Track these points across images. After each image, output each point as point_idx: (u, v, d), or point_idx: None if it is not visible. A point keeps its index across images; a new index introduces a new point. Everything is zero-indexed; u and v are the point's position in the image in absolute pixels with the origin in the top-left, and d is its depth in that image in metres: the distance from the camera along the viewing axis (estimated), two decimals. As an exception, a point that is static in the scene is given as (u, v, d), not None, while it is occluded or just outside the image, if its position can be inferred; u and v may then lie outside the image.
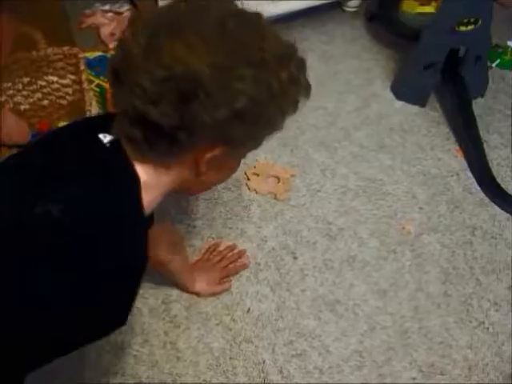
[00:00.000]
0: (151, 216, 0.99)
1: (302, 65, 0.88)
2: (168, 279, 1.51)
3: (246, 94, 0.81)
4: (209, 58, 0.78)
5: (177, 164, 0.90)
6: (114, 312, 0.93)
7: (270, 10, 2.17)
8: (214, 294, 1.54)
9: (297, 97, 0.89)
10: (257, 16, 0.89)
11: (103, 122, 0.91)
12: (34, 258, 0.82)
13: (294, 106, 0.90)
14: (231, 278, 1.57)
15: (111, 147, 0.88)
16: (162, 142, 0.84)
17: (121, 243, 0.87)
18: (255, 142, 0.93)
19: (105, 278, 0.86)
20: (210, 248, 1.63)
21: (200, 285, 1.53)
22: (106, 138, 0.88)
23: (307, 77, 0.89)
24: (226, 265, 1.59)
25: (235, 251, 1.63)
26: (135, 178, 0.87)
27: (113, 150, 0.88)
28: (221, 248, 1.63)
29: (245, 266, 1.60)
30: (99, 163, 0.88)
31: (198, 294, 1.54)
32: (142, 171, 0.88)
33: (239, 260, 1.61)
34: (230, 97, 0.80)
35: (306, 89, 0.89)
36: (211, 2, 0.86)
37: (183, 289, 1.54)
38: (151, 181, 0.89)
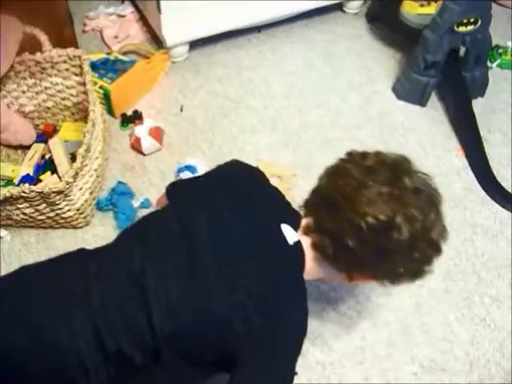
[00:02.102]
0: None
1: (446, 239, 1.10)
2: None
3: (418, 262, 1.09)
4: (411, 230, 1.02)
5: (337, 273, 1.17)
6: None
7: (273, 11, 2.20)
8: None
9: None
10: (440, 198, 1.10)
11: (284, 213, 1.20)
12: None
13: (432, 265, 1.12)
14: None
15: (295, 247, 1.12)
16: (345, 264, 1.12)
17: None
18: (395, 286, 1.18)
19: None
20: None
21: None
22: (289, 234, 1.12)
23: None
24: None
25: None
26: (302, 272, 1.13)
27: (296, 250, 1.12)
28: None
29: None
30: (284, 261, 1.10)
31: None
32: (311, 266, 1.14)
33: None
34: (410, 261, 1.07)
35: (441, 252, 1.11)
36: (423, 186, 1.08)
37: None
38: (312, 273, 1.16)
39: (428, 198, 1.07)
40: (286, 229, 1.13)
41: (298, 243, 1.13)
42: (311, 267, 1.14)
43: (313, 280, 1.23)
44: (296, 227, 1.16)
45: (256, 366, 1.03)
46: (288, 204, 1.28)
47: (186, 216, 1.13)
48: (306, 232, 1.14)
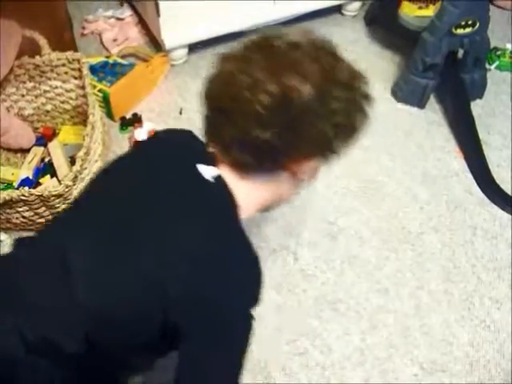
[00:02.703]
0: None
1: (366, 80, 0.99)
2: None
3: (341, 111, 0.94)
4: (311, 84, 0.89)
5: (275, 179, 1.03)
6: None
7: (272, 13, 2.20)
8: None
9: (368, 108, 0.99)
10: (329, 41, 0.98)
11: (196, 150, 1.03)
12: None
13: (367, 115, 0.99)
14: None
15: (216, 183, 0.98)
16: (270, 160, 0.97)
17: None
18: (344, 150, 1.02)
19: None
20: None
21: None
22: (207, 172, 0.98)
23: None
24: None
25: None
26: (235, 211, 0.98)
27: (218, 186, 0.98)
28: None
29: None
30: (207, 205, 0.97)
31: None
32: (243, 194, 0.99)
33: None
34: (330, 113, 0.93)
35: (371, 100, 1.00)
36: (299, 39, 0.95)
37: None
38: (250, 201, 1.02)
39: (311, 47, 0.94)
40: (202, 168, 0.99)
41: (219, 178, 0.99)
42: (245, 194, 1.00)
43: (261, 211, 1.10)
44: (213, 163, 1.01)
45: (201, 337, 0.90)
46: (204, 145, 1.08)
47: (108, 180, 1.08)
48: (220, 160, 1.00)
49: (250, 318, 0.94)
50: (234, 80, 0.93)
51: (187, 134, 1.11)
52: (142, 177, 1.01)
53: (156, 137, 1.17)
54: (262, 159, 0.96)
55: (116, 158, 1.10)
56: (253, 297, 0.96)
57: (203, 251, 0.91)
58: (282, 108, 0.90)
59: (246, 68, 0.92)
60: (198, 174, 0.98)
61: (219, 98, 0.96)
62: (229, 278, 0.91)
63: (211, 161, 1.00)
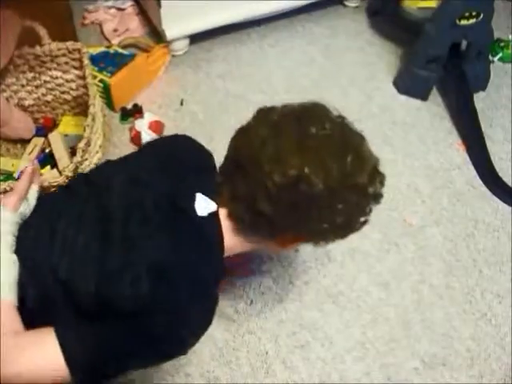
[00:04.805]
0: None
1: (383, 180, 1.03)
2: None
3: (345, 214, 0.98)
4: (326, 180, 0.93)
5: (263, 243, 1.10)
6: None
7: (274, 4, 2.18)
8: None
9: (374, 207, 1.04)
10: (360, 139, 1.03)
11: (207, 182, 1.08)
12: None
13: (370, 214, 1.05)
14: (233, 281, 1.57)
15: (208, 218, 1.03)
16: (266, 230, 1.02)
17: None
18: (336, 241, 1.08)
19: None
20: None
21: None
22: (202, 204, 1.03)
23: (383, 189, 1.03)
24: (232, 266, 1.58)
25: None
26: (221, 248, 1.04)
27: (209, 222, 1.03)
28: None
29: (250, 273, 1.59)
30: (193, 233, 1.02)
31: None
32: (231, 239, 1.05)
33: (245, 266, 1.61)
34: (333, 214, 0.97)
35: (381, 198, 1.04)
36: (334, 130, 1.00)
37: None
38: (235, 246, 1.07)
39: (341, 142, 0.98)
40: (201, 198, 1.04)
41: (214, 215, 1.04)
42: (233, 239, 1.05)
43: (245, 252, 1.14)
44: (217, 198, 1.06)
45: (120, 326, 0.94)
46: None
47: (107, 170, 1.16)
48: (223, 202, 1.05)
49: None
50: (262, 145, 0.97)
51: (205, 154, 1.19)
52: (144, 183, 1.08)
53: (175, 140, 1.23)
54: (259, 227, 1.02)
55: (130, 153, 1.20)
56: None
57: (169, 261, 0.98)
58: (291, 192, 0.94)
59: (275, 138, 0.97)
60: (192, 202, 1.03)
61: (242, 155, 1.01)
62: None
63: (213, 194, 1.05)
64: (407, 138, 1.94)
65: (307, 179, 0.92)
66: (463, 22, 1.87)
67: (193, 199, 1.03)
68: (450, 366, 1.45)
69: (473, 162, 1.88)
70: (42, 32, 1.72)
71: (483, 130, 1.92)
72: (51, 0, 1.82)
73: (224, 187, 1.05)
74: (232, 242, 1.06)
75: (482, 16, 1.86)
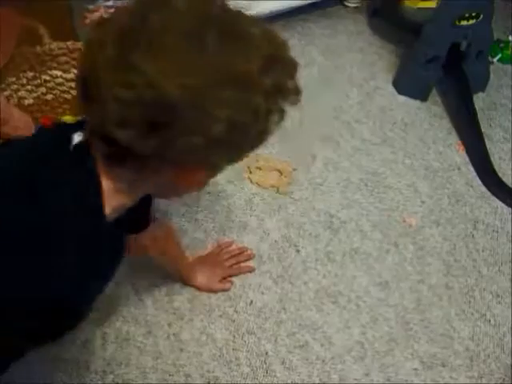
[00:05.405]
0: (135, 218, 0.97)
1: (290, 68, 0.79)
2: (170, 273, 1.53)
3: (224, 120, 0.71)
4: (181, 79, 0.69)
5: (150, 178, 0.84)
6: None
7: (273, 4, 2.18)
8: (211, 291, 1.54)
9: (284, 106, 0.78)
10: (240, 17, 0.77)
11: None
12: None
13: (280, 118, 0.79)
14: (233, 280, 1.57)
15: (77, 151, 0.82)
16: (132, 163, 0.79)
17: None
18: (237, 160, 0.84)
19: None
20: (221, 244, 1.63)
21: (201, 279, 1.53)
22: (76, 138, 0.82)
23: (297, 80, 0.79)
24: (232, 264, 1.59)
25: (245, 253, 1.62)
26: (96, 187, 0.81)
27: (77, 154, 0.82)
28: (233, 247, 1.62)
29: (250, 269, 1.59)
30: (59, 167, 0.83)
31: (197, 288, 1.54)
32: (109, 177, 0.82)
33: (245, 262, 1.61)
34: (205, 123, 0.72)
35: (296, 95, 0.79)
36: (191, 6, 0.73)
37: (184, 282, 1.54)
38: (119, 187, 0.83)
39: (195, 23, 0.72)
40: (76, 135, 0.83)
41: (83, 144, 0.82)
42: (110, 181, 0.82)
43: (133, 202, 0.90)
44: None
45: None
46: None
47: None
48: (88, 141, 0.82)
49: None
50: (100, 49, 0.72)
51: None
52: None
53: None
54: (125, 161, 0.78)
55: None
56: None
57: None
58: (141, 109, 0.70)
59: (113, 38, 0.72)
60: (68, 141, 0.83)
61: (84, 70, 0.77)
62: None
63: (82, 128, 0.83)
64: (407, 138, 1.94)
65: (154, 86, 0.68)
66: (463, 23, 1.87)
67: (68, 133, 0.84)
68: (449, 366, 1.45)
69: (472, 163, 1.88)
70: (43, 31, 1.72)
71: (483, 130, 1.92)
72: (51, -1, 1.82)
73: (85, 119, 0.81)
74: (108, 183, 0.82)
75: (481, 16, 1.87)
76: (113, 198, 0.83)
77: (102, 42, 0.72)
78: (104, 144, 0.76)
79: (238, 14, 0.77)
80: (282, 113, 0.78)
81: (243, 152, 0.82)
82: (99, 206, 0.81)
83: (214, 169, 0.87)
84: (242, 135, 0.76)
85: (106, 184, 0.81)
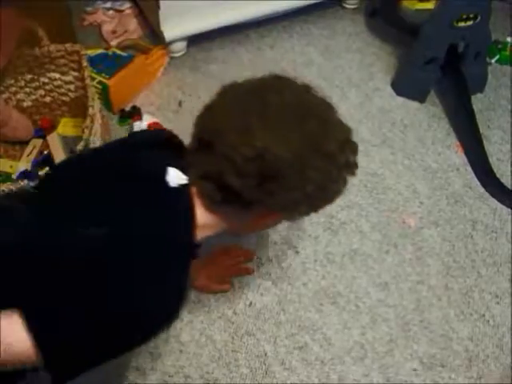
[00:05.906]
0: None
1: (356, 150, 1.02)
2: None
3: (315, 182, 0.96)
4: (289, 149, 0.92)
5: (238, 218, 1.07)
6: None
7: (272, 6, 2.19)
8: (210, 292, 1.55)
9: (348, 177, 1.02)
10: (327, 105, 1.02)
11: (172, 154, 1.08)
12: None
13: (346, 184, 1.03)
14: (232, 281, 1.57)
15: (178, 189, 1.00)
16: (236, 205, 1.00)
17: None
18: (311, 213, 1.06)
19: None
20: (221, 246, 1.60)
21: (200, 280, 1.53)
22: (175, 177, 1.01)
23: (357, 157, 1.02)
24: (231, 265, 1.59)
25: (244, 254, 1.62)
26: (192, 222, 1.00)
27: (179, 192, 1.01)
28: (232, 248, 1.61)
29: (249, 271, 1.59)
30: (162, 202, 1.00)
31: (196, 289, 1.54)
32: (204, 216, 1.02)
33: (245, 265, 1.61)
34: (302, 182, 0.95)
35: (356, 168, 1.03)
36: (294, 98, 0.99)
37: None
38: (209, 223, 1.04)
39: (301, 109, 0.98)
40: (173, 171, 1.02)
41: (186, 187, 1.01)
42: (204, 215, 1.02)
43: (215, 234, 1.09)
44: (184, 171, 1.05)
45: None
46: None
47: None
48: (192, 182, 1.02)
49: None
50: (226, 118, 0.97)
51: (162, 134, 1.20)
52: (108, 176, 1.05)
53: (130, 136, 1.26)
54: (231, 202, 0.99)
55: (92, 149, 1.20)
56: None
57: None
58: (258, 163, 0.92)
59: (238, 111, 0.97)
60: (163, 172, 1.01)
61: (207, 130, 1.00)
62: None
63: (182, 168, 1.03)
64: (406, 139, 1.95)
65: (271, 149, 0.91)
66: (461, 24, 1.87)
67: (164, 169, 1.02)
68: (448, 366, 1.45)
69: (471, 164, 1.89)
70: (41, 33, 1.72)
71: (481, 131, 1.93)
72: (50, 1, 1.82)
73: (191, 166, 1.02)
74: (203, 218, 1.02)
75: (479, 18, 1.87)
76: (203, 230, 1.03)
77: (226, 107, 0.99)
78: (215, 187, 0.97)
79: (327, 104, 1.02)
80: (345, 182, 1.03)
81: (319, 207, 1.05)
82: (190, 241, 1.01)
83: (292, 217, 1.14)
84: (323, 195, 1.01)
85: (201, 218, 1.01)
